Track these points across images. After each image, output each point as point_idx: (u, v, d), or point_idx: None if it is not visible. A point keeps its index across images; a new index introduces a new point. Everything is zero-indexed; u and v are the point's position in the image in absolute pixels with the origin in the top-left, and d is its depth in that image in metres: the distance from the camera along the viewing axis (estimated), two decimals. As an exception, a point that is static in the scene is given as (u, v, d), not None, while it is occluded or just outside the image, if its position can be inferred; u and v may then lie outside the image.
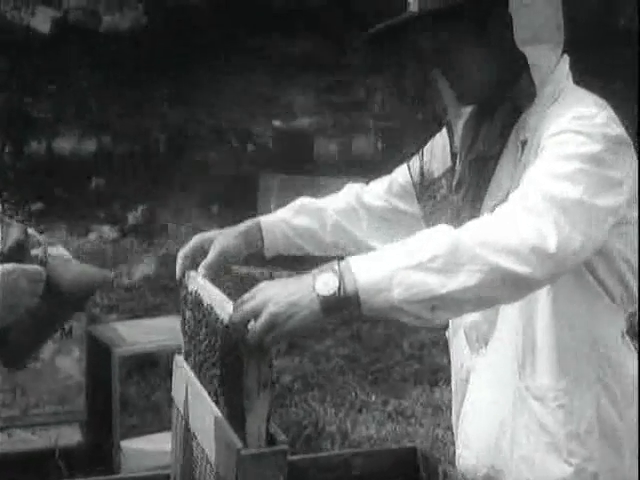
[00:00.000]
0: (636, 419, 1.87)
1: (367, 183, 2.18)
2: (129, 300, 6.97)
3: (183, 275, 1.89)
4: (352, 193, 2.14)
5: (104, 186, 10.43)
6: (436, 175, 1.92)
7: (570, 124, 1.65)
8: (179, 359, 1.89)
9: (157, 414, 4.79)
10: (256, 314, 1.44)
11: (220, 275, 1.91)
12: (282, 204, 8.65)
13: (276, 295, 1.44)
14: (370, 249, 2.11)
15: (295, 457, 2.01)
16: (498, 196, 1.75)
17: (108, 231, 9.16)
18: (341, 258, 1.49)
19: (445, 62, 1.79)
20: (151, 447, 4.26)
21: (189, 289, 1.81)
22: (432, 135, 1.99)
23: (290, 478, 1.61)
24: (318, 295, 1.43)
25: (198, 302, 1.71)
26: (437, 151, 1.94)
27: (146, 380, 5.24)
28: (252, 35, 9.66)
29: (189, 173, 10.71)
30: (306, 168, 10.83)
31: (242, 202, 9.93)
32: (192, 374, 1.78)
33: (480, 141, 1.79)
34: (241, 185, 10.49)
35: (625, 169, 1.66)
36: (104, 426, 4.11)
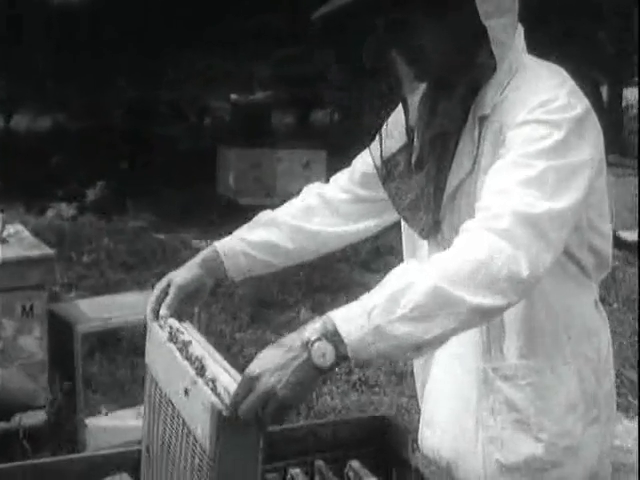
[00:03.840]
0: (610, 385, 1.89)
1: (327, 180, 2.14)
2: (89, 277, 6.93)
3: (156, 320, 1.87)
4: (312, 193, 2.09)
5: (62, 163, 10.34)
6: (392, 152, 1.89)
7: (532, 114, 1.64)
8: (153, 325, 1.86)
9: (121, 391, 4.78)
10: (266, 400, 1.46)
11: (186, 311, 1.90)
12: (240, 177, 8.62)
13: (276, 378, 1.45)
14: (340, 239, 2.09)
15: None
16: (460, 175, 1.75)
17: (66, 208, 9.08)
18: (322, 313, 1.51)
19: (403, 41, 1.74)
20: (116, 424, 4.26)
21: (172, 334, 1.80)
22: (388, 111, 1.95)
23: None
24: (318, 368, 1.46)
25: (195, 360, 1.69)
26: (393, 129, 1.91)
27: (109, 357, 5.22)
28: (209, 8, 9.57)
29: (147, 148, 10.64)
30: (264, 141, 10.78)
31: (201, 175, 9.90)
32: (166, 339, 1.77)
33: (439, 117, 1.76)
34: (199, 159, 10.44)
35: (591, 143, 1.67)
36: (69, 404, 4.09)
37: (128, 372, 5.00)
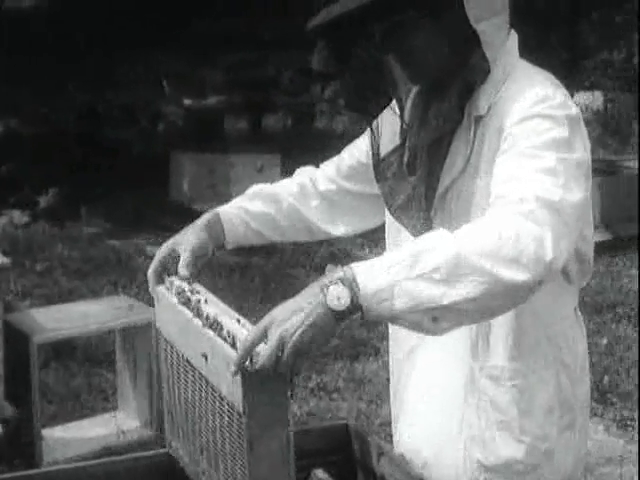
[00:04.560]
0: (586, 393, 1.91)
1: (317, 165, 2.17)
2: (43, 285, 6.84)
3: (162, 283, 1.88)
4: (305, 177, 2.12)
5: (13, 170, 10.20)
6: (386, 152, 1.90)
7: (533, 108, 1.66)
8: (159, 289, 1.86)
9: (77, 401, 4.72)
10: (282, 344, 1.45)
11: (196, 275, 1.89)
12: (194, 182, 8.60)
13: (291, 322, 1.45)
14: (323, 233, 2.14)
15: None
16: (452, 174, 1.76)
17: (19, 215, 8.95)
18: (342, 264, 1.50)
19: (398, 47, 1.76)
20: (73, 435, 4.22)
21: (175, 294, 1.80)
22: (379, 111, 1.94)
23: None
24: (332, 310, 1.45)
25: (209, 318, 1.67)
26: (386, 128, 1.92)
27: (65, 367, 5.15)
28: (162, 12, 9.51)
29: (100, 154, 10.53)
30: (217, 146, 10.72)
31: (154, 181, 9.82)
32: (178, 302, 1.77)
33: (432, 119, 1.78)
34: (152, 164, 10.35)
35: (585, 146, 1.69)
36: (24, 416, 4.03)
37: (84, 382, 4.94)
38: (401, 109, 1.88)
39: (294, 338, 1.43)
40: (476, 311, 1.50)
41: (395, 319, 1.48)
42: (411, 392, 1.95)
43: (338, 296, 1.45)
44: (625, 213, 7.73)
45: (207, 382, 1.64)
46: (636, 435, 4.61)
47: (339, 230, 2.14)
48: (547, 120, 1.64)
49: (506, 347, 1.79)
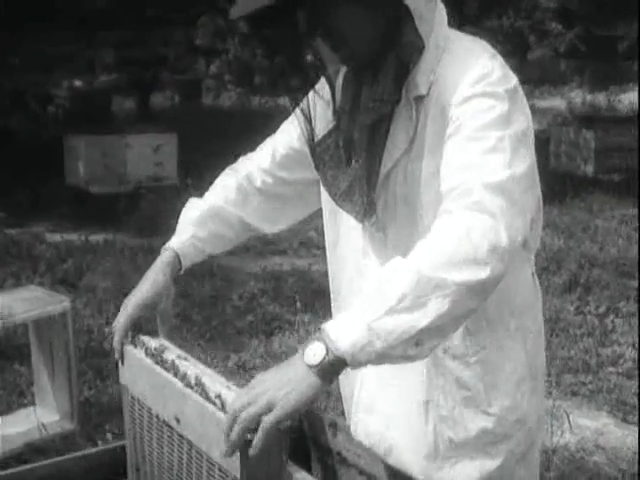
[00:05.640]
0: (544, 356, 1.93)
1: (244, 154, 2.11)
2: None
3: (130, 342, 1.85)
4: (241, 176, 2.06)
5: None
6: (322, 136, 1.85)
7: (474, 87, 1.64)
8: (129, 348, 1.83)
9: (-8, 398, 4.59)
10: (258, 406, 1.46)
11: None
12: (90, 165, 8.36)
13: (273, 383, 1.46)
14: (264, 232, 2.12)
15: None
16: (394, 156, 1.73)
17: None
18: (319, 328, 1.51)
19: (325, 30, 1.70)
20: (-10, 434, 4.09)
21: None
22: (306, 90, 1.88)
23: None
24: (310, 366, 1.46)
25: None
26: (318, 110, 1.86)
27: (-27, 363, 5.00)
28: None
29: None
30: (110, 127, 10.55)
31: (49, 166, 9.62)
32: (152, 362, 1.74)
33: (369, 101, 1.73)
34: (46, 149, 10.13)
35: (525, 114, 1.68)
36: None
37: (-6, 379, 4.81)
38: (332, 89, 1.84)
39: (273, 398, 1.44)
40: (453, 321, 1.50)
41: (382, 359, 1.48)
42: (366, 382, 1.94)
43: (314, 352, 1.46)
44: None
45: (191, 444, 1.62)
46: (555, 391, 4.73)
47: (279, 227, 2.12)
48: (487, 98, 1.63)
49: (467, 323, 1.77)
